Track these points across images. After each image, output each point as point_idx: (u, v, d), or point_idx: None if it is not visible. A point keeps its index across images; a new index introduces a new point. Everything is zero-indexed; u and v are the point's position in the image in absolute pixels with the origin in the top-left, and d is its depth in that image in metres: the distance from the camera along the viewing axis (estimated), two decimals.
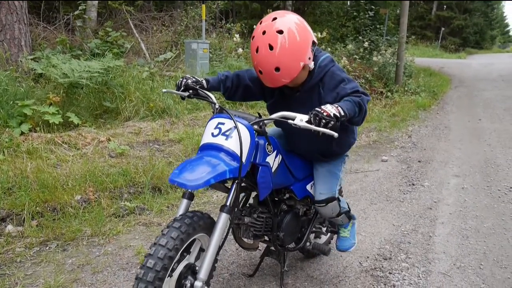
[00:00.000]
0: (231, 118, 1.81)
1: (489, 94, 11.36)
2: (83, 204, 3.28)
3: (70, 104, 5.04)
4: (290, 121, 1.70)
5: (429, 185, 4.41)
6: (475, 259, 2.90)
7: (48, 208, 3.15)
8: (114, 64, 5.65)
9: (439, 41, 32.92)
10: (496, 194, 4.18)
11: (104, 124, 5.16)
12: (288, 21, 1.78)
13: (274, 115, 1.82)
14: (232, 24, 11.31)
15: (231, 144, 1.77)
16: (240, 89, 2.18)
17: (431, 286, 2.54)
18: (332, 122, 1.61)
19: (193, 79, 2.07)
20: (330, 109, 1.65)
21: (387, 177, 4.66)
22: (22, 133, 4.16)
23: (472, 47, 37.51)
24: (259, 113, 2.04)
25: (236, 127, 1.77)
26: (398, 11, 13.21)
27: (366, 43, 11.12)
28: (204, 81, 2.10)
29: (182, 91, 2.04)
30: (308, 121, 1.65)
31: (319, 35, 10.82)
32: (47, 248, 2.79)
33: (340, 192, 2.37)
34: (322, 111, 1.63)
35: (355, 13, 12.05)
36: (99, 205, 3.30)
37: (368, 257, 2.89)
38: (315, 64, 1.94)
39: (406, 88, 10.77)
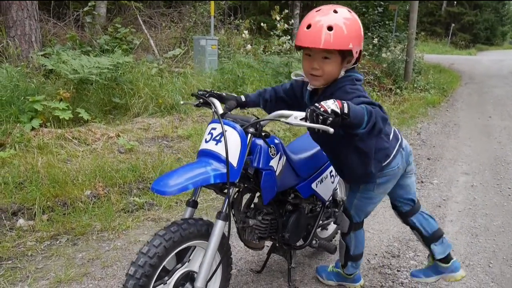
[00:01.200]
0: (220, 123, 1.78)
1: (500, 91, 11.23)
2: (93, 199, 3.32)
3: (80, 100, 5.09)
4: (283, 119, 1.62)
5: (438, 183, 4.38)
6: (484, 257, 2.88)
7: (59, 203, 3.19)
8: (123, 60, 5.68)
9: (449, 37, 32.54)
10: (506, 192, 4.14)
11: (114, 120, 5.20)
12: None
13: (270, 115, 1.74)
14: (240, 21, 11.31)
15: (221, 149, 1.74)
16: (277, 102, 2.17)
17: (439, 284, 2.53)
18: (330, 119, 1.45)
19: (215, 93, 2.09)
20: (329, 104, 1.49)
21: None
22: (33, 129, 4.21)
23: (483, 43, 37.02)
24: (255, 115, 1.97)
25: (223, 131, 1.74)
26: (407, 7, 13.09)
27: (375, 39, 11.04)
28: (242, 97, 2.15)
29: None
30: (304, 119, 1.52)
31: None
32: (58, 242, 2.83)
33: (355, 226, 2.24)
34: (319, 107, 1.48)
35: (364, 9, 11.97)
36: (108, 200, 3.34)
37: (376, 254, 2.89)
38: (343, 76, 1.85)
39: (415, 85, 10.69)
